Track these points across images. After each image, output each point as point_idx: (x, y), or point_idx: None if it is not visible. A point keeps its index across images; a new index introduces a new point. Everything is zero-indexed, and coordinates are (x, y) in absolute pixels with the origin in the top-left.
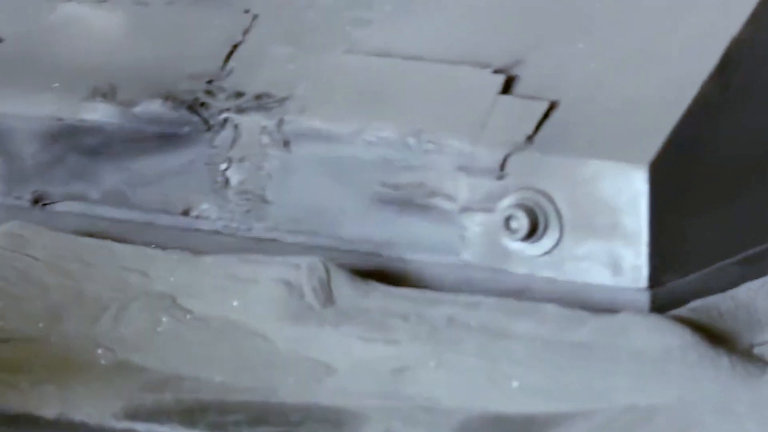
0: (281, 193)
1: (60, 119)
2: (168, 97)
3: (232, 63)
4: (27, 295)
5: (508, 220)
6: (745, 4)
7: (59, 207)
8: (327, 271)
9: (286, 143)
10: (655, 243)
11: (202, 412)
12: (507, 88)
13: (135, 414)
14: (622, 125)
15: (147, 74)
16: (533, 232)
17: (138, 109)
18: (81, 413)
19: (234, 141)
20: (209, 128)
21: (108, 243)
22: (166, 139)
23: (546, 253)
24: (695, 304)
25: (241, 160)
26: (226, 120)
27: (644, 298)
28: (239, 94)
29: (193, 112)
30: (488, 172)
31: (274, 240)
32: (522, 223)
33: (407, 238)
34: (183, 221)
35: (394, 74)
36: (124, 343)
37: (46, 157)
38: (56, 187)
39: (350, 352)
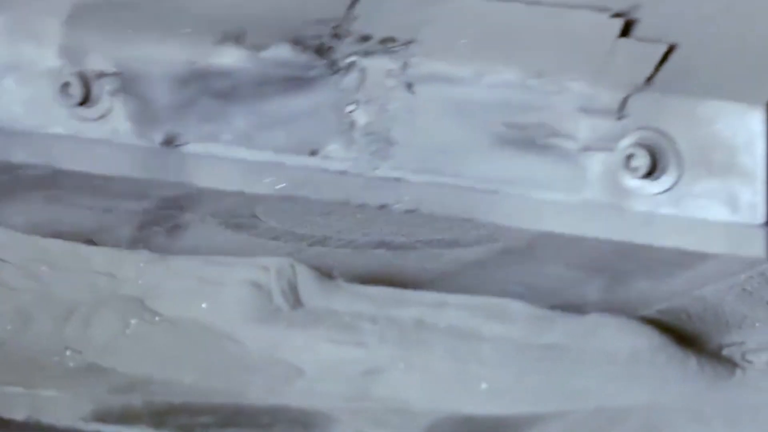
0: (406, 134)
1: (191, 63)
2: (296, 41)
3: (357, 8)
4: None
5: (628, 158)
6: None
7: (189, 148)
8: (295, 272)
9: (410, 85)
10: None
11: (171, 414)
12: (626, 31)
13: (104, 416)
14: (739, 66)
15: (275, 19)
16: (653, 170)
17: (267, 53)
18: (50, 416)
19: (360, 84)
20: (336, 71)
21: (76, 245)
22: (294, 82)
23: (665, 190)
24: (663, 306)
25: (367, 102)
26: (352, 63)
27: (761, 234)
28: (365, 38)
29: (320, 56)
30: (608, 113)
31: (398, 179)
32: (642, 161)
33: (528, 177)
34: (311, 162)
35: (516, 18)
36: (93, 345)
37: (177, 100)
38: (187, 129)
39: (319, 354)
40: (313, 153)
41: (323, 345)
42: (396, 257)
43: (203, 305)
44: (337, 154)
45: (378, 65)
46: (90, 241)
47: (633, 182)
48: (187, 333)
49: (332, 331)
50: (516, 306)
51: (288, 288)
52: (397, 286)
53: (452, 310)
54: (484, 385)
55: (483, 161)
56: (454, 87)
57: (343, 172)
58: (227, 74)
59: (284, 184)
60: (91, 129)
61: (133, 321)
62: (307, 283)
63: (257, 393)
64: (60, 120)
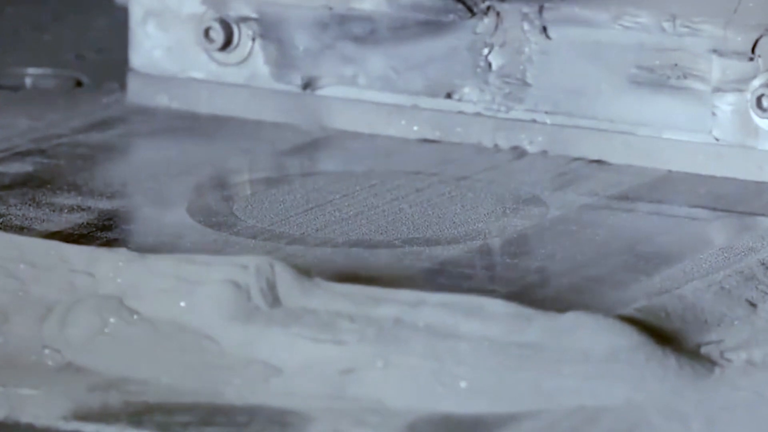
0: (540, 76)
1: (330, 8)
2: None
3: None
4: None
5: (759, 99)
6: None
7: (327, 91)
8: (273, 271)
9: (545, 29)
10: None
11: (149, 413)
12: None
13: (83, 416)
14: None
15: None
16: None
17: None
18: (28, 415)
19: (496, 27)
20: (472, 15)
21: (55, 243)
22: (431, 26)
23: None
24: (642, 304)
25: (502, 45)
26: (489, 7)
27: None
28: None
29: (457, 0)
30: (740, 54)
31: (533, 121)
32: None
33: (660, 118)
34: (446, 104)
35: None
36: (71, 344)
37: (317, 45)
38: (325, 73)
39: (297, 353)
40: (449, 96)
41: (301, 343)
42: (373, 255)
43: (182, 304)
44: (471, 97)
45: (514, 9)
46: (70, 238)
47: (764, 122)
48: (165, 332)
49: (310, 330)
50: (494, 304)
51: (267, 287)
52: (374, 284)
53: (430, 308)
54: (462, 384)
55: (616, 103)
56: (588, 30)
57: (477, 114)
58: (366, 19)
59: (416, 127)
60: (232, 73)
61: (111, 320)
62: (286, 281)
63: (235, 392)
64: (201, 65)
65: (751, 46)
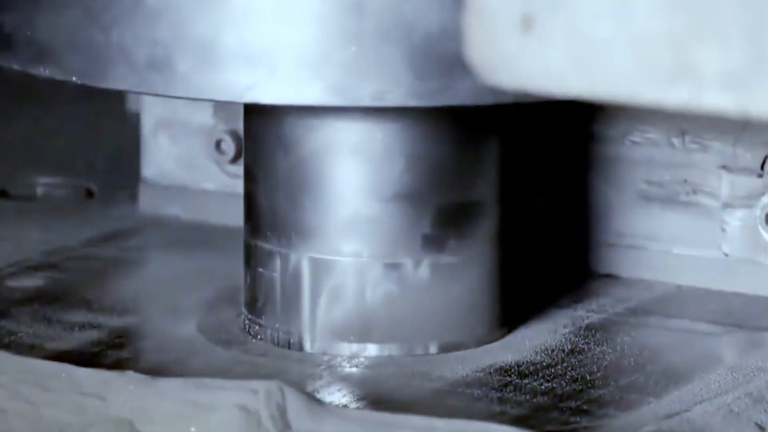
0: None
1: None
2: None
3: None
4: None
5: None
6: None
7: None
8: (284, 396)
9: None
10: None
11: None
12: None
13: None
14: None
15: None
16: None
17: None
18: None
19: None
20: None
21: (67, 367)
22: None
23: None
24: (650, 429)
25: None
26: None
27: None
28: None
29: None
30: (749, 171)
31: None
32: None
33: (670, 233)
34: None
35: None
36: None
37: None
38: None
39: None
40: None
41: None
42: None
43: (192, 429)
44: None
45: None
46: (81, 357)
47: None
48: None
49: None
50: (503, 431)
51: (277, 412)
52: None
53: None
54: None
55: (627, 217)
56: (599, 145)
57: None
58: None
59: None
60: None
61: None
62: (296, 406)
63: None
64: (212, 176)
65: (760, 163)
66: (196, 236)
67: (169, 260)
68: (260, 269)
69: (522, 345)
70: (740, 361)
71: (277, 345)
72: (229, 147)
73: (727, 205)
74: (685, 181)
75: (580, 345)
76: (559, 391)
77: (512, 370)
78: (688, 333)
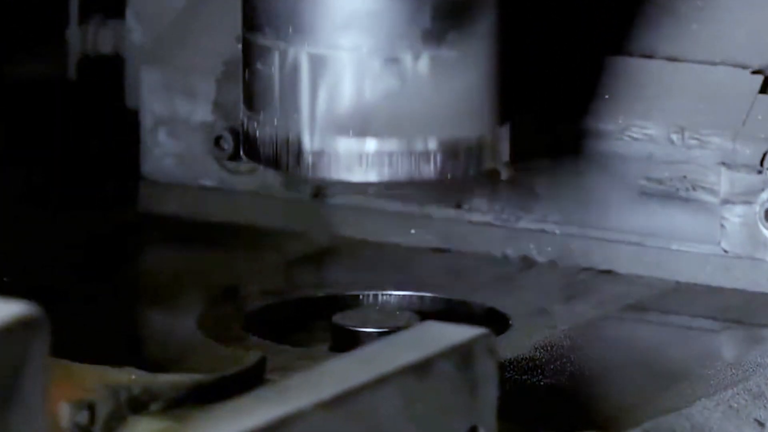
0: (549, 187)
1: None
2: None
3: None
4: None
5: (767, 211)
6: None
7: (337, 200)
8: None
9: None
10: None
11: None
12: (765, 87)
13: None
14: None
15: None
16: None
17: None
18: None
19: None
20: None
21: (65, 362)
22: None
23: None
24: (650, 424)
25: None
26: None
27: None
28: None
29: None
30: (748, 167)
31: (542, 231)
32: None
33: (669, 229)
34: (455, 213)
35: (658, 74)
36: None
37: None
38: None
39: None
40: (458, 205)
41: None
42: None
43: None
44: (480, 206)
45: (524, 119)
46: None
47: None
48: None
49: None
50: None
51: None
52: None
53: None
54: None
55: (625, 214)
56: (598, 141)
57: (486, 224)
58: None
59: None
60: (242, 181)
61: None
62: None
63: None
64: (211, 173)
65: (759, 159)
66: (195, 233)
67: (168, 257)
68: (258, 66)
69: (520, 341)
70: (739, 357)
71: (276, 142)
72: (229, 144)
73: (726, 202)
74: (684, 177)
75: (578, 341)
76: (557, 388)
77: (511, 366)
78: (687, 329)
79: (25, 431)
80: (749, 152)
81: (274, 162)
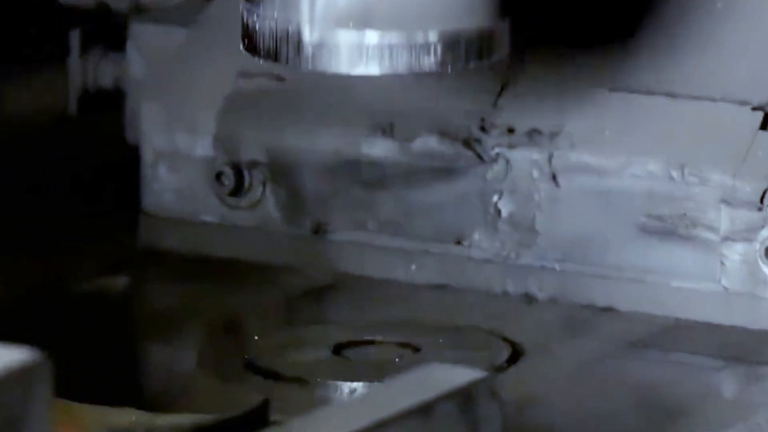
0: (550, 224)
1: (341, 153)
2: (443, 133)
3: (502, 100)
4: None
5: (767, 249)
6: None
7: (337, 236)
8: None
9: (554, 176)
10: None
11: None
12: (766, 124)
13: None
14: None
15: (424, 110)
16: None
17: (415, 145)
18: None
19: (506, 174)
20: (482, 162)
21: (66, 402)
22: (441, 172)
23: None
24: None
25: (512, 192)
26: (498, 154)
27: None
28: (510, 130)
29: (467, 148)
30: (749, 204)
31: (542, 267)
32: None
33: (669, 266)
34: (456, 250)
35: (658, 110)
36: None
37: (327, 189)
38: (335, 217)
39: None
40: (458, 242)
41: None
42: None
43: None
44: (481, 243)
45: (524, 157)
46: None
47: None
48: None
49: None
50: None
51: None
52: None
53: None
54: None
55: (625, 251)
56: (598, 178)
57: (487, 261)
58: (376, 164)
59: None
60: (243, 217)
61: None
62: None
63: None
64: (211, 208)
65: (760, 196)
66: (195, 268)
67: (168, 292)
68: None
69: (522, 378)
70: (739, 394)
71: (276, 34)
72: (230, 179)
73: (726, 239)
74: (685, 214)
75: (578, 379)
76: (559, 425)
77: (510, 405)
78: (687, 366)
79: None
80: (749, 189)
81: (273, 54)
